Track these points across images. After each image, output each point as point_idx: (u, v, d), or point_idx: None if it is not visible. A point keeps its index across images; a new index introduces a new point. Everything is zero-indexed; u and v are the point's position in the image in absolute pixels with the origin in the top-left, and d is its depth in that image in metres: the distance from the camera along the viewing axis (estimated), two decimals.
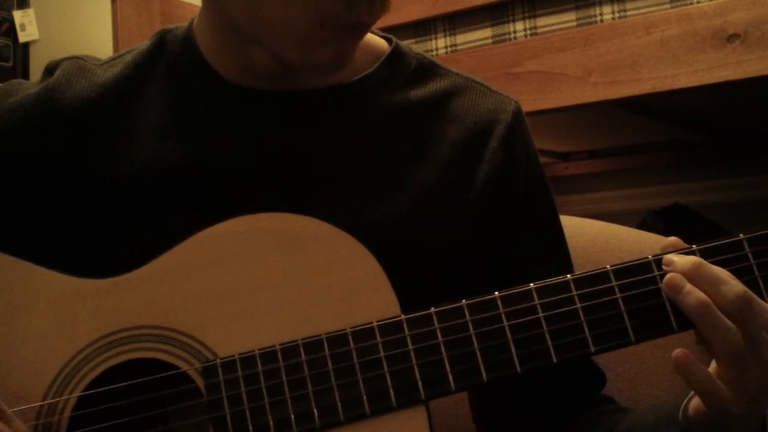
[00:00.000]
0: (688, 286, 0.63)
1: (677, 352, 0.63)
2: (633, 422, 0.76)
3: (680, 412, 0.67)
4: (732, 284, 0.62)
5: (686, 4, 1.48)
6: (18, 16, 2.19)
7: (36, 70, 2.23)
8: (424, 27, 1.80)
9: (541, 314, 0.66)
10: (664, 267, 0.65)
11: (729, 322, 0.62)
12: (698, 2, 1.46)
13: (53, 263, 0.75)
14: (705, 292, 0.62)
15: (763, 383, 0.62)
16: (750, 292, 0.62)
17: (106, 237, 0.78)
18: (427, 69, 0.86)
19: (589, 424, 0.81)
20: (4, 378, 0.67)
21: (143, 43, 0.86)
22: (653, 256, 0.67)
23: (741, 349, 0.61)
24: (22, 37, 2.19)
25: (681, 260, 0.64)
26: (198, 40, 0.83)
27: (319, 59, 0.74)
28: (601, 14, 1.58)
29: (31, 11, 2.20)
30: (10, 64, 2.17)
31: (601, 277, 0.67)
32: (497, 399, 0.87)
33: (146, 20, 2.09)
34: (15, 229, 0.80)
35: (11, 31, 2.18)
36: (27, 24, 2.19)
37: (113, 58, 0.86)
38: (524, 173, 0.85)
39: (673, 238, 0.67)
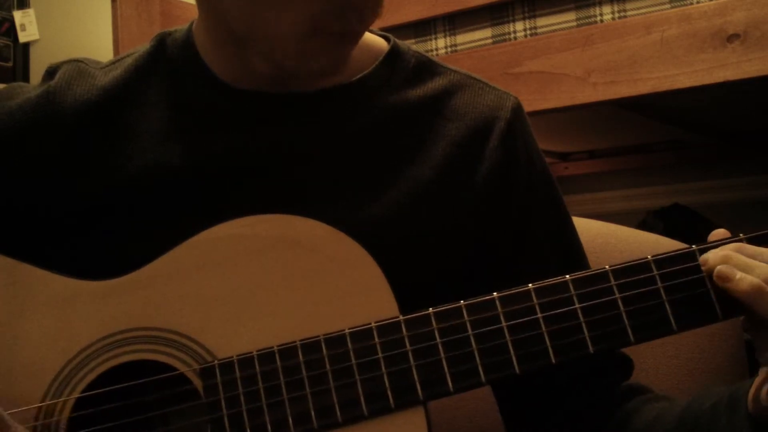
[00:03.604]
0: (740, 274, 0.63)
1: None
2: (687, 407, 0.74)
3: (750, 396, 0.65)
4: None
5: (686, 4, 1.47)
6: (18, 16, 2.19)
7: (36, 70, 2.24)
8: (424, 27, 1.80)
9: (539, 315, 0.66)
10: (702, 264, 0.65)
11: None
12: (698, 2, 1.46)
13: (54, 265, 0.75)
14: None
15: None
16: None
17: (106, 240, 0.78)
18: (426, 67, 0.86)
19: (628, 413, 0.79)
20: (3, 379, 0.67)
21: (143, 46, 0.86)
22: (652, 257, 0.67)
23: None
24: (22, 37, 2.19)
25: (716, 252, 0.65)
26: (197, 44, 0.83)
27: (315, 67, 0.75)
28: (601, 14, 1.58)
29: (31, 11, 2.20)
30: (10, 64, 2.18)
31: (600, 277, 0.67)
32: (524, 390, 0.85)
33: (146, 20, 2.08)
34: (15, 232, 0.80)
35: (11, 31, 2.19)
36: (27, 24, 2.20)
37: (113, 62, 0.86)
38: (526, 170, 0.84)
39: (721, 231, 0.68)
